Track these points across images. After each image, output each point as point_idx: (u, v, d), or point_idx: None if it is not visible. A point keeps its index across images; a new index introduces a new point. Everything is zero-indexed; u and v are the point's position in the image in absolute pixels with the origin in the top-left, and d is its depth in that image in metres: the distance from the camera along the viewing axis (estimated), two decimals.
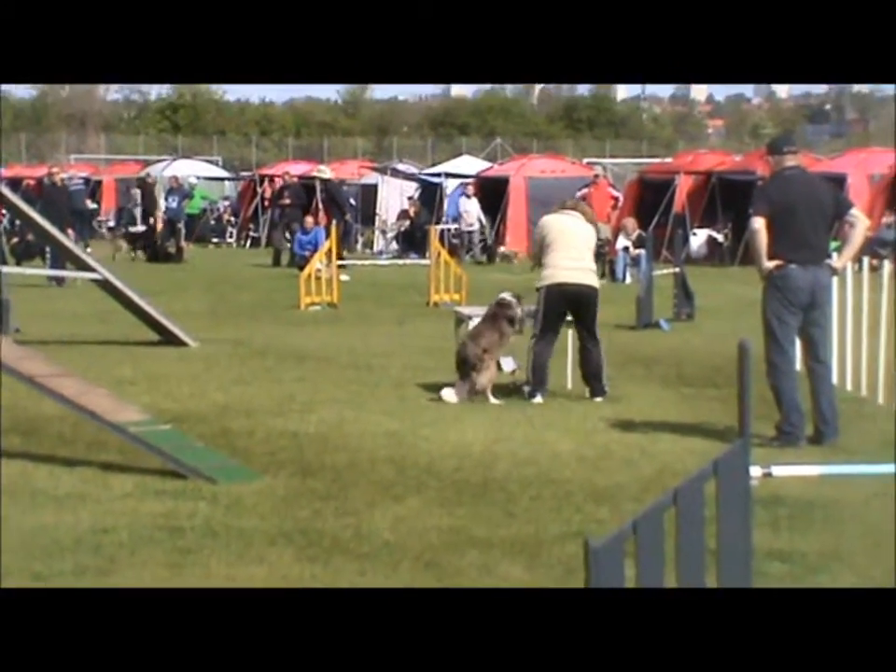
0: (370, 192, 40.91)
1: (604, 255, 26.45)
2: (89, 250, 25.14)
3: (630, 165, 48.62)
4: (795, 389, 10.30)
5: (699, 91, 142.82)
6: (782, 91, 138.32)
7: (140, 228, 36.70)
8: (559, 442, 10.30)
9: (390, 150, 72.38)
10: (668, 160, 43.86)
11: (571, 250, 12.33)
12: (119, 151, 70.09)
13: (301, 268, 23.69)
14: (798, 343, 10.55)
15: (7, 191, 17.73)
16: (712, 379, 13.12)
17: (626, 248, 27.87)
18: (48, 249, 25.37)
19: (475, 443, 10.24)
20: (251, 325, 18.82)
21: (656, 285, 19.02)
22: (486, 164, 42.95)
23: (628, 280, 26.54)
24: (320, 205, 31.36)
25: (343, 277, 24.30)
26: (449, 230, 35.53)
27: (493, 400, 12.16)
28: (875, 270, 13.46)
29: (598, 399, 12.24)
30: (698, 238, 33.05)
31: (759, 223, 10.25)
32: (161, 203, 36.24)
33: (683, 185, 34.28)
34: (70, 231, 25.19)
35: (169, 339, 16.29)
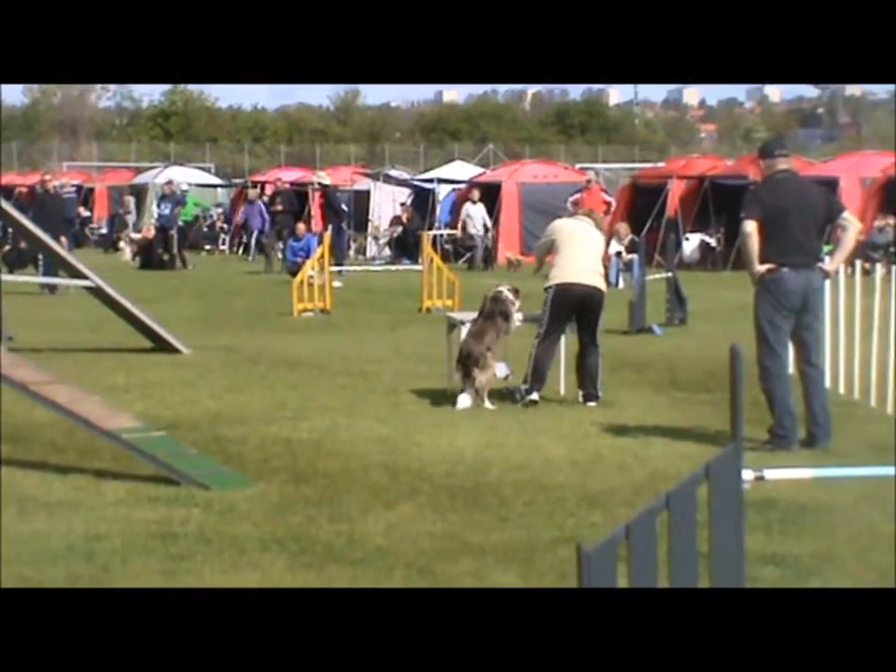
0: (362, 198, 40.90)
1: None
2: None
3: (622, 170, 48.66)
4: (788, 393, 10.31)
5: (691, 96, 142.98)
6: (774, 94, 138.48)
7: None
8: (552, 447, 10.30)
9: (382, 156, 72.41)
10: (661, 164, 43.91)
11: (580, 253, 12.44)
12: (111, 159, 70.20)
13: (293, 274, 23.68)
14: (790, 347, 10.56)
15: None
16: (704, 383, 13.13)
17: (619, 253, 27.91)
18: (40, 257, 25.35)
19: (468, 449, 10.24)
20: (244, 332, 18.81)
21: (649, 289, 19.04)
22: (479, 170, 42.99)
23: (621, 285, 26.56)
24: (313, 212, 31.30)
25: (336, 283, 24.30)
26: (441, 235, 35.53)
27: (487, 404, 12.15)
28: (867, 273, 13.49)
29: (591, 404, 12.25)
30: (691, 243, 33.09)
31: (751, 227, 10.26)
32: (154, 210, 36.22)
33: (676, 189, 34.31)
34: (63, 239, 25.17)
35: (162, 346, 16.29)
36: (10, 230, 29.15)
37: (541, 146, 77.84)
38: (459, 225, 34.71)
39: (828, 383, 11.46)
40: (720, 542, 4.26)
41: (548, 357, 12.39)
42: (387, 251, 37.94)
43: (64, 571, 6.97)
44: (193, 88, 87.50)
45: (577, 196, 28.81)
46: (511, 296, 12.63)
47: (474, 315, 12.95)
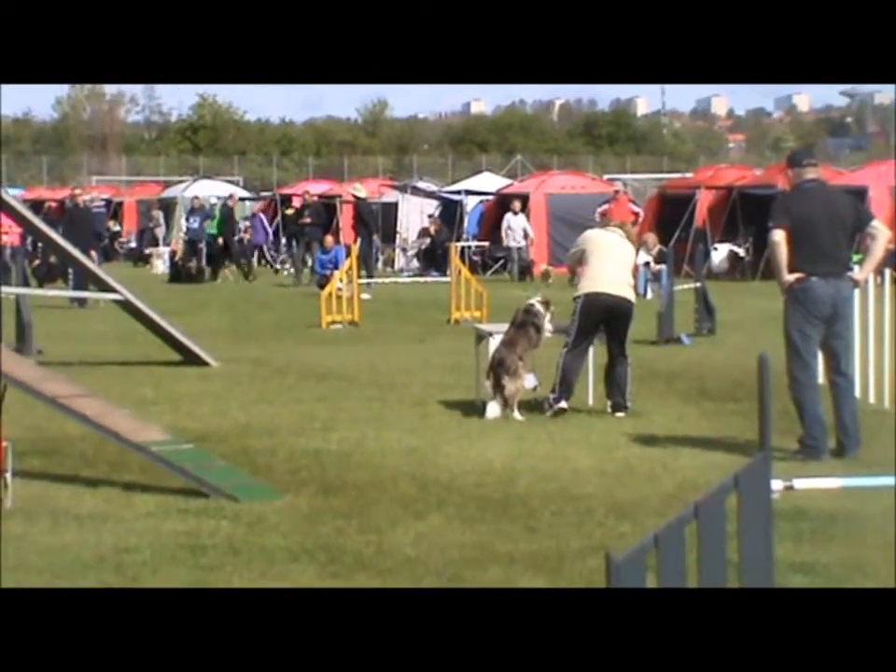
0: (390, 210, 40.98)
1: None
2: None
3: (651, 181, 48.65)
4: (818, 402, 10.27)
5: (719, 106, 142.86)
6: (803, 104, 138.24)
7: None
8: (580, 458, 10.29)
9: (410, 168, 72.56)
10: (689, 174, 43.89)
11: (610, 264, 12.46)
12: (140, 172, 70.52)
13: (322, 286, 23.73)
14: (820, 356, 10.52)
15: (29, 214, 17.80)
16: (733, 393, 13.09)
17: (647, 263, 27.85)
18: (70, 271, 25.48)
19: (496, 460, 10.24)
20: (272, 344, 18.86)
21: (677, 299, 19.01)
22: (506, 181, 43.03)
23: (649, 295, 26.50)
24: (342, 224, 31.40)
25: (365, 296, 24.34)
26: (469, 247, 35.54)
27: (517, 414, 12.15)
28: None
29: (619, 415, 12.24)
30: (719, 253, 33.03)
31: (779, 236, 10.22)
32: (183, 224, 36.33)
33: (704, 200, 34.28)
34: (93, 253, 25.30)
35: (190, 359, 16.33)
36: (40, 244, 29.37)
37: (569, 156, 77.89)
38: (502, 234, 34.52)
39: (858, 392, 11.42)
40: (749, 552, 4.24)
41: (576, 367, 12.39)
42: (415, 263, 37.99)
43: (95, 582, 7.00)
44: (222, 101, 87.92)
45: (605, 207, 28.74)
46: (542, 308, 12.67)
47: (503, 326, 12.95)
